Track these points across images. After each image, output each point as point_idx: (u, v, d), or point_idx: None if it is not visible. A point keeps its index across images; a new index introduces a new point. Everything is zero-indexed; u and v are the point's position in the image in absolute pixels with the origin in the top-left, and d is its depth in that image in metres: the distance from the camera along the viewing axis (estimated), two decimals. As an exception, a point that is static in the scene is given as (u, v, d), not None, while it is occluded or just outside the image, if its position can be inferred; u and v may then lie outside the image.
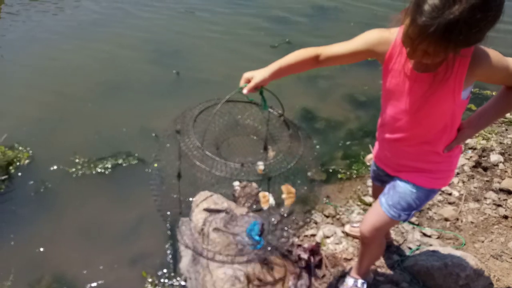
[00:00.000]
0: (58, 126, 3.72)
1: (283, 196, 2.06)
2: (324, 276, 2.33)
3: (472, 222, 2.72)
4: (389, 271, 2.33)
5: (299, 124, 3.70)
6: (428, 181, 1.68)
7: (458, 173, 3.11)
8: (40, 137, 3.57)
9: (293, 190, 2.05)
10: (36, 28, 5.51)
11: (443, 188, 2.93)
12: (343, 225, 2.70)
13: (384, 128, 1.73)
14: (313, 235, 2.63)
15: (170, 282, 2.43)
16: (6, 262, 2.52)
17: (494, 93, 1.58)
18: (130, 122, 3.76)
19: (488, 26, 1.15)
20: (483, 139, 3.45)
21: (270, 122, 1.95)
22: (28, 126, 3.68)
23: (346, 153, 3.52)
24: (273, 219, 2.49)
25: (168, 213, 2.38)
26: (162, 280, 2.44)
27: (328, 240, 2.56)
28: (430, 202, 2.82)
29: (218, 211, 2.40)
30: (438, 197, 2.89)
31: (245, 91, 1.58)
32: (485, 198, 2.90)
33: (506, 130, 3.67)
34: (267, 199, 2.09)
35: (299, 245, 2.46)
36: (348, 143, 3.63)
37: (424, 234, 2.61)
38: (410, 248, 2.49)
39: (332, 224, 2.73)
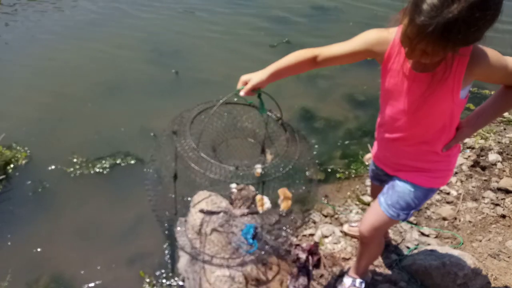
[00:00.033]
0: (56, 126, 3.72)
1: (280, 200, 2.07)
2: (322, 275, 2.32)
3: (470, 222, 2.72)
4: (387, 271, 2.33)
5: (298, 124, 3.76)
6: (426, 180, 1.68)
7: (456, 173, 3.11)
8: (38, 136, 3.56)
9: (289, 194, 2.06)
10: (34, 28, 5.50)
11: (441, 188, 2.93)
12: (341, 224, 2.70)
13: (383, 128, 1.73)
14: (312, 235, 2.62)
15: (168, 282, 2.43)
16: (4, 262, 2.52)
17: (492, 92, 1.58)
18: (129, 122, 3.75)
19: (487, 25, 1.15)
20: (481, 139, 3.45)
21: (268, 125, 1.95)
22: (26, 125, 3.67)
23: (345, 152, 3.52)
24: (272, 219, 2.49)
25: (165, 213, 2.39)
26: (160, 280, 2.44)
27: (326, 240, 2.56)
28: (428, 202, 2.83)
29: (213, 213, 2.40)
30: (436, 196, 2.90)
31: (242, 93, 1.58)
32: (483, 198, 2.91)
33: (505, 129, 3.67)
34: (263, 203, 2.09)
35: (298, 245, 2.47)
36: (346, 142, 3.63)
37: (422, 234, 2.61)
38: (408, 248, 2.49)
39: (330, 223, 2.73)
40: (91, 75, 4.45)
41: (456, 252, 2.26)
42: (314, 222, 2.75)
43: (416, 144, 1.62)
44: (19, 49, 5.03)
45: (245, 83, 1.59)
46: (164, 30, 5.48)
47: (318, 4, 6.38)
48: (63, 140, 3.55)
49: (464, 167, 3.17)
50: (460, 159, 3.20)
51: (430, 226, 2.67)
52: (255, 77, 1.57)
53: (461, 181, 3.05)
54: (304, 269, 2.32)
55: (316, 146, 3.58)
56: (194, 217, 2.43)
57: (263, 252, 2.18)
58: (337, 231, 2.62)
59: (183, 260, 2.44)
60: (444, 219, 2.72)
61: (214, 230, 2.35)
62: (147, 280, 2.42)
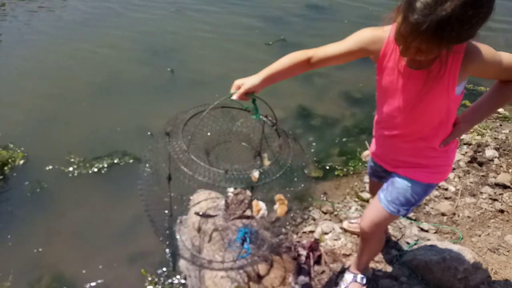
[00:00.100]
0: (53, 126, 3.70)
1: (276, 206, 2.08)
2: (323, 272, 2.33)
3: (468, 217, 2.74)
4: (388, 266, 2.35)
5: (295, 122, 3.77)
6: (425, 176, 1.69)
7: (454, 169, 3.13)
8: (34, 137, 3.55)
9: (285, 200, 2.07)
10: (25, 29, 5.49)
11: (440, 184, 2.95)
12: (341, 221, 2.71)
13: (380, 125, 1.74)
14: (312, 232, 2.63)
15: (169, 280, 2.43)
16: (5, 263, 2.51)
17: (488, 89, 1.59)
18: (125, 121, 3.75)
19: (480, 22, 1.16)
20: (478, 135, 3.48)
21: (258, 128, 1.94)
22: (21, 126, 3.65)
23: (343, 150, 3.53)
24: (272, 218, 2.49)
25: (161, 213, 2.38)
26: (161, 279, 2.44)
27: (326, 236, 2.56)
28: (427, 198, 2.85)
29: (209, 216, 2.40)
30: (434, 192, 2.92)
31: (234, 97, 1.56)
32: (481, 193, 2.93)
33: (501, 125, 3.70)
34: (259, 208, 2.10)
35: (298, 242, 2.47)
36: (344, 140, 3.65)
37: (422, 229, 2.63)
38: (408, 243, 2.51)
39: (330, 220, 2.74)
40: (85, 75, 4.43)
41: (455, 247, 2.28)
42: (314, 219, 2.76)
43: (413, 141, 1.63)
44: (11, 49, 5.00)
45: (239, 88, 1.57)
46: (158, 30, 5.47)
47: (313, 3, 6.39)
48: (60, 140, 3.53)
49: (462, 163, 3.19)
50: (457, 155, 3.23)
51: (429, 222, 2.69)
52: (248, 82, 1.55)
53: (459, 177, 3.07)
54: (305, 266, 2.33)
55: (314, 144, 3.59)
56: (194, 215, 2.44)
57: (256, 258, 2.18)
58: (337, 227, 2.63)
59: (184, 258, 2.44)
60: (443, 214, 2.75)
61: (215, 230, 2.35)
62: (149, 278, 2.42)
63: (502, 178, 3.00)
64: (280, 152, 1.75)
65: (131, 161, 3.31)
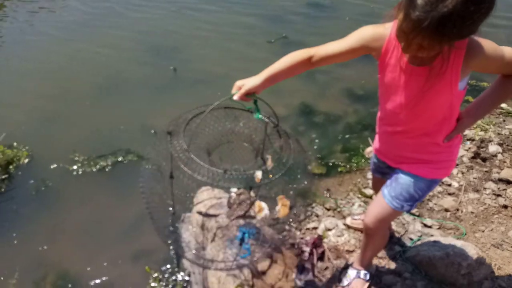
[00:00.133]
0: (57, 125, 3.72)
1: (277, 207, 2.09)
2: (326, 268, 2.34)
3: (472, 212, 2.74)
4: (391, 262, 2.35)
5: (298, 119, 3.77)
6: (429, 171, 1.70)
7: (457, 164, 3.13)
8: (39, 136, 3.57)
9: (287, 202, 2.08)
10: (31, 28, 5.50)
11: (443, 179, 2.95)
12: (344, 217, 2.71)
13: (384, 122, 1.75)
14: (315, 228, 2.64)
15: (173, 277, 2.44)
16: (11, 261, 2.53)
17: (490, 84, 1.60)
18: (129, 119, 3.76)
19: (482, 18, 1.16)
20: (481, 130, 3.47)
21: (260, 129, 1.95)
22: (26, 125, 3.67)
23: (346, 146, 3.53)
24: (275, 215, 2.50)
25: (163, 211, 2.39)
26: (165, 276, 2.46)
27: (330, 233, 2.57)
28: (430, 193, 2.84)
29: (211, 215, 2.41)
30: (438, 188, 2.92)
31: (235, 97, 1.56)
32: (485, 189, 2.93)
33: (504, 121, 3.69)
34: (261, 209, 2.10)
35: (301, 238, 2.48)
36: (347, 136, 3.65)
37: (425, 225, 2.63)
38: (411, 239, 2.51)
39: (333, 216, 2.74)
40: (88, 75, 4.44)
41: (459, 243, 2.28)
42: (317, 216, 2.77)
43: (417, 137, 1.63)
44: (12, 50, 5.01)
45: (240, 88, 1.57)
46: (159, 29, 5.47)
47: (314, 1, 6.38)
48: (64, 139, 3.55)
49: (465, 159, 3.19)
50: (460, 151, 3.22)
51: (432, 218, 2.69)
52: (248, 82, 1.55)
53: (462, 173, 3.07)
54: (308, 262, 2.34)
55: (317, 140, 3.59)
56: (199, 207, 2.45)
57: (255, 258, 2.18)
58: (340, 224, 2.64)
59: (188, 255, 2.45)
60: (447, 210, 2.75)
61: (218, 228, 2.36)
62: (154, 275, 2.44)
63: (506, 173, 3.00)
64: (281, 153, 1.76)
65: (135, 159, 3.33)
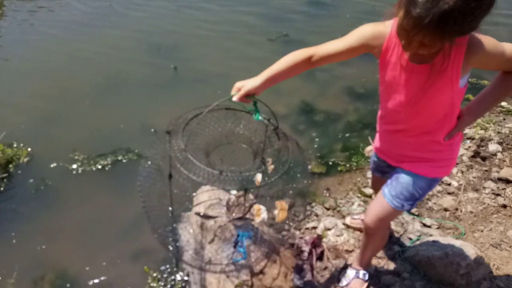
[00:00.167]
0: (57, 124, 3.71)
1: (276, 211, 2.09)
2: (326, 268, 2.34)
3: (471, 212, 2.74)
4: (390, 262, 2.36)
5: (298, 118, 3.77)
6: (430, 170, 1.70)
7: (457, 163, 3.13)
8: (39, 134, 3.56)
9: (286, 206, 2.08)
10: (34, 23, 5.49)
11: (443, 179, 2.94)
12: (343, 217, 2.71)
13: (384, 120, 1.75)
14: (314, 228, 2.64)
15: (172, 277, 2.44)
16: (9, 260, 2.52)
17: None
18: (129, 118, 3.75)
19: (483, 14, 1.16)
20: (481, 129, 3.47)
21: (260, 131, 1.95)
22: (26, 124, 3.67)
23: (346, 145, 3.53)
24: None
25: (160, 210, 2.39)
26: (164, 275, 2.45)
27: (329, 232, 2.57)
28: (430, 193, 2.84)
29: (210, 217, 2.41)
30: (437, 187, 2.91)
31: (234, 98, 1.56)
32: (484, 188, 2.92)
33: (504, 119, 3.68)
34: (260, 212, 2.11)
35: (301, 238, 2.48)
36: (347, 135, 3.64)
37: (424, 225, 2.63)
38: (410, 239, 2.51)
39: (332, 216, 2.74)
40: (88, 74, 4.42)
41: (458, 243, 2.28)
42: (317, 215, 2.77)
43: (418, 135, 1.63)
44: (12, 49, 4.98)
45: (240, 90, 1.57)
46: (160, 28, 5.45)
47: (314, -1, 6.38)
48: (64, 138, 3.54)
49: (465, 158, 3.18)
50: (460, 150, 3.22)
51: (431, 217, 2.69)
52: (248, 84, 1.55)
53: (462, 172, 3.06)
54: (307, 262, 2.34)
55: (317, 139, 3.58)
56: (198, 208, 2.45)
57: (252, 260, 2.18)
58: (340, 223, 2.63)
59: (187, 255, 2.45)
60: (446, 210, 2.74)
61: (217, 229, 2.36)
62: (154, 275, 2.44)
63: (505, 172, 2.99)
64: (279, 156, 1.76)
65: (134, 158, 3.32)
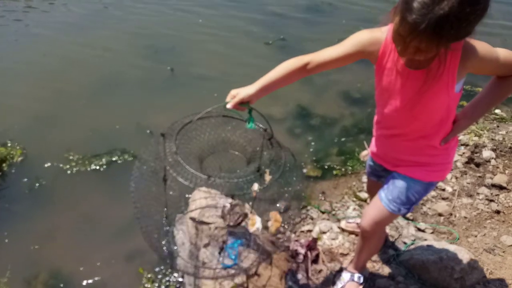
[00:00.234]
0: (51, 123, 3.69)
1: (270, 222, 2.10)
2: (321, 271, 2.35)
3: (465, 217, 2.76)
4: (385, 266, 2.36)
5: (294, 122, 3.77)
6: (426, 174, 1.71)
7: (451, 169, 3.15)
8: (33, 134, 3.54)
9: (279, 218, 2.09)
10: (27, 24, 5.47)
11: (438, 184, 2.96)
12: (339, 220, 2.72)
13: (381, 125, 1.76)
14: (310, 231, 2.65)
15: (167, 278, 2.43)
16: (2, 259, 2.50)
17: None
18: (124, 119, 3.74)
19: (477, 19, 1.17)
20: (475, 136, 3.50)
21: (255, 140, 1.95)
22: (20, 123, 3.65)
23: (341, 149, 3.54)
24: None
25: (155, 211, 2.38)
26: (159, 276, 2.45)
27: (324, 236, 2.58)
28: (424, 198, 2.86)
29: (204, 223, 2.40)
30: (432, 192, 2.93)
31: (229, 106, 1.55)
32: (478, 194, 2.95)
33: (498, 126, 3.72)
34: (254, 222, 2.11)
35: (296, 241, 2.48)
36: (343, 139, 3.66)
37: (419, 229, 2.65)
38: (405, 243, 2.52)
39: (328, 220, 2.75)
40: (84, 74, 4.41)
41: (452, 247, 2.30)
42: (312, 218, 2.77)
43: (414, 139, 1.64)
44: (11, 45, 4.98)
45: (234, 97, 1.55)
46: (157, 29, 5.45)
47: (313, 2, 6.40)
48: (58, 138, 3.53)
49: (459, 164, 3.21)
50: (455, 156, 3.24)
51: (426, 222, 2.71)
52: (242, 92, 1.53)
53: (456, 178, 3.09)
54: (303, 265, 2.35)
55: (313, 143, 3.60)
56: (193, 213, 2.44)
57: (245, 265, 2.18)
58: (335, 227, 2.64)
59: (182, 256, 2.44)
60: (440, 215, 2.76)
61: (211, 233, 2.35)
62: (148, 276, 2.43)
63: (499, 179, 3.02)
64: (270, 165, 1.76)
65: (130, 159, 3.31)
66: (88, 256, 2.56)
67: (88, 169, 3.22)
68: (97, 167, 3.24)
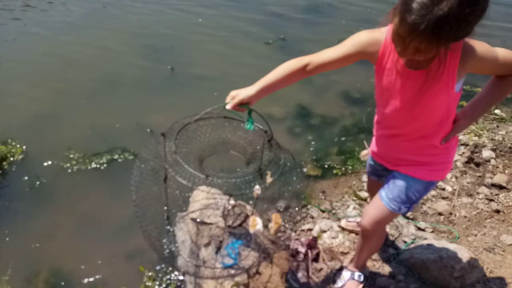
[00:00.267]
0: (52, 122, 3.69)
1: (271, 224, 2.11)
2: (321, 269, 2.35)
3: (465, 216, 2.77)
4: (385, 264, 2.37)
5: (294, 121, 3.78)
6: (426, 173, 1.72)
7: (451, 169, 3.16)
8: (34, 132, 3.54)
9: (280, 220, 2.10)
10: (27, 24, 5.46)
11: (438, 183, 2.97)
12: (339, 219, 2.73)
13: (381, 125, 1.76)
14: (310, 230, 2.65)
15: (168, 277, 2.44)
16: (3, 257, 2.50)
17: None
18: (124, 117, 3.74)
19: (476, 19, 1.18)
20: (475, 136, 3.51)
21: (255, 141, 1.96)
22: (21, 121, 3.65)
23: (341, 149, 3.55)
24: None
25: (156, 210, 2.38)
26: (160, 275, 2.45)
27: (324, 235, 2.59)
28: (425, 197, 2.87)
29: (205, 223, 2.41)
30: (432, 192, 2.94)
31: (228, 106, 1.55)
32: (478, 193, 2.96)
33: (497, 126, 3.73)
34: (255, 224, 2.12)
35: (297, 239, 2.49)
36: (343, 139, 3.66)
37: (419, 228, 2.66)
38: (405, 242, 2.53)
39: (328, 218, 2.75)
40: (84, 73, 4.41)
41: (452, 246, 2.31)
42: (312, 217, 2.78)
43: (414, 139, 1.65)
44: (11, 44, 4.98)
45: (234, 98, 1.56)
46: (156, 29, 5.45)
47: (313, 2, 6.41)
48: (59, 136, 3.53)
49: (459, 164, 3.22)
50: (455, 156, 3.25)
51: (426, 221, 2.71)
52: (242, 92, 1.54)
53: (456, 177, 3.10)
54: (303, 263, 2.35)
55: (313, 143, 3.61)
56: (194, 213, 2.44)
57: (246, 265, 2.18)
58: (335, 226, 2.65)
59: (183, 254, 2.45)
60: (440, 214, 2.77)
61: (213, 232, 2.36)
62: (149, 274, 2.43)
63: (499, 178, 3.03)
64: (269, 166, 1.77)
65: (130, 157, 3.31)
66: (88, 254, 2.56)
67: (89, 167, 3.22)
68: (98, 166, 3.24)
